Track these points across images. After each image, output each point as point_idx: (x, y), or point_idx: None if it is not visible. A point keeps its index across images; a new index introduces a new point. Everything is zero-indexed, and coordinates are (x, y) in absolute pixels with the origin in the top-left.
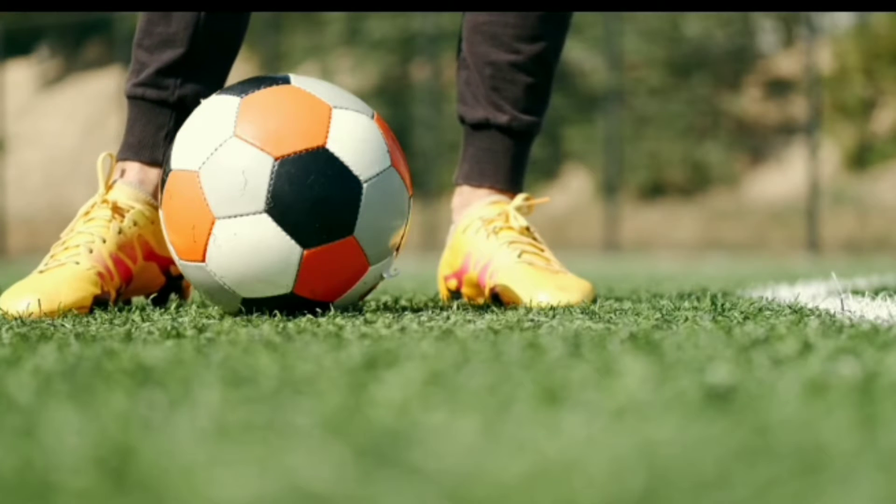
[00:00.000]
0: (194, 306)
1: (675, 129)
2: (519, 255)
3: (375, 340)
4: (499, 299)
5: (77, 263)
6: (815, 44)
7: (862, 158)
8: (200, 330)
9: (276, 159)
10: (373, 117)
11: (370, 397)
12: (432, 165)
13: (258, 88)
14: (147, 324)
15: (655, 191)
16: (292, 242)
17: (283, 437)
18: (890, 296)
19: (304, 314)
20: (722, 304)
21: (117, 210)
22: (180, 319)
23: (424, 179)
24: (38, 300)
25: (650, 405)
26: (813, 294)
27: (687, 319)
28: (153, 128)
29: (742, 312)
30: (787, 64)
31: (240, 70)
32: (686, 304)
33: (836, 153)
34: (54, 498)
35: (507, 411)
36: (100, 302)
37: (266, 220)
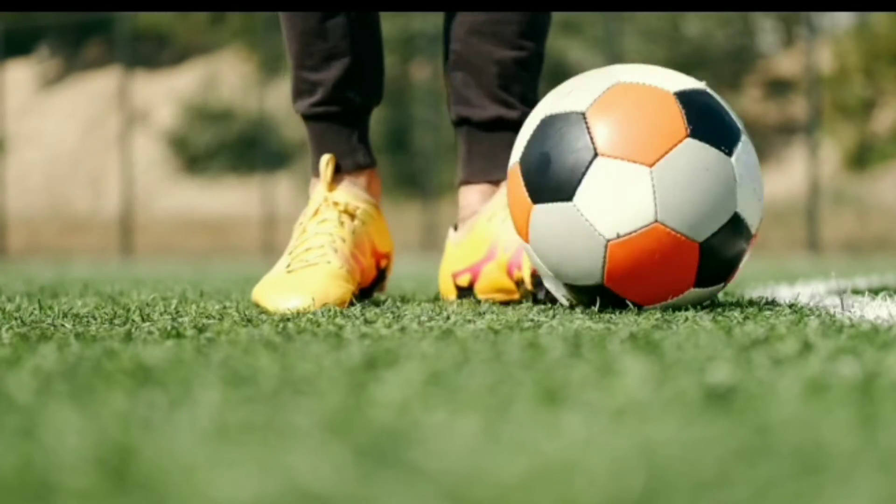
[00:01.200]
0: (194, 306)
1: None
2: None
3: (375, 340)
4: (540, 282)
5: (329, 262)
6: (815, 44)
7: (862, 158)
8: (200, 330)
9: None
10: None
11: (370, 397)
12: (432, 165)
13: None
14: (147, 324)
15: None
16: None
17: (283, 437)
18: (890, 296)
19: (303, 314)
20: (722, 304)
21: (346, 211)
22: (180, 319)
23: (424, 179)
24: (312, 298)
25: (650, 405)
26: (813, 294)
27: (687, 319)
28: (345, 137)
29: (742, 312)
30: (787, 64)
31: (238, 70)
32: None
33: (835, 153)
34: (54, 498)
35: (507, 411)
36: (353, 297)
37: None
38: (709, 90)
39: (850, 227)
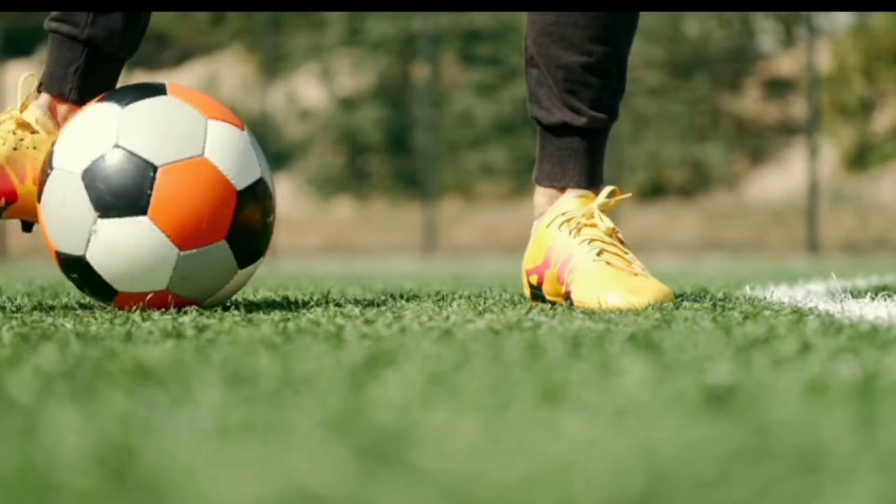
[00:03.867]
0: (194, 307)
1: (674, 129)
2: (598, 254)
3: (375, 340)
4: (569, 297)
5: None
6: (814, 44)
7: (861, 159)
8: (200, 330)
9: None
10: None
11: (370, 397)
12: (432, 165)
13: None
14: (147, 324)
15: (655, 191)
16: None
17: (283, 437)
18: (890, 296)
19: (304, 314)
20: (722, 304)
21: (24, 126)
22: (180, 319)
23: (424, 179)
24: None
25: (650, 405)
26: (813, 294)
27: (687, 319)
28: (64, 62)
29: (742, 312)
30: (786, 64)
31: (238, 70)
32: (686, 304)
33: (835, 153)
34: (54, 498)
35: (507, 411)
36: None
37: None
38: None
39: (849, 227)
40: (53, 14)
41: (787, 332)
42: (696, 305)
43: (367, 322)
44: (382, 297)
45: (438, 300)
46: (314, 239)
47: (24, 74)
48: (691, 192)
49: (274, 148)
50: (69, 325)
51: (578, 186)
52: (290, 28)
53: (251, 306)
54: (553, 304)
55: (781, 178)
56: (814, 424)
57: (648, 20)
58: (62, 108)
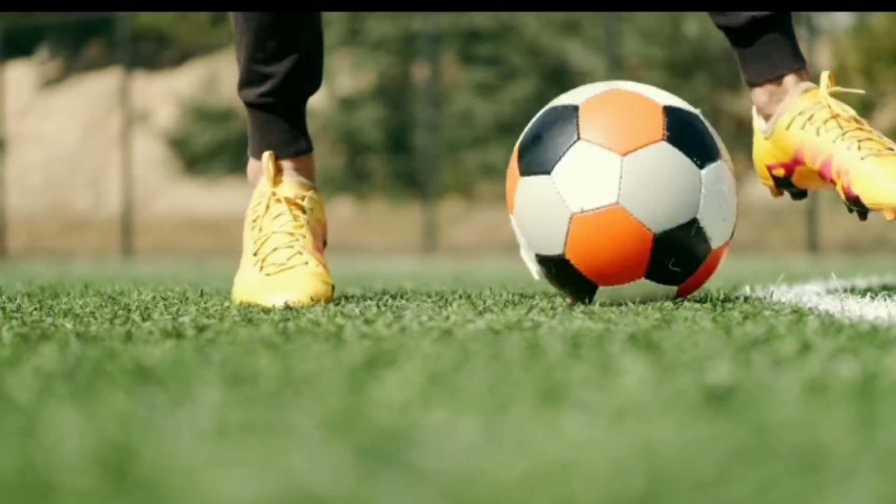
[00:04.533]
0: (194, 306)
1: None
2: (859, 149)
3: (375, 340)
4: (859, 203)
5: (306, 264)
6: (814, 44)
7: None
8: (200, 330)
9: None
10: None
11: (370, 397)
12: (432, 165)
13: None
14: (147, 324)
15: None
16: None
17: (283, 437)
18: (889, 296)
19: (304, 314)
20: (722, 304)
21: (295, 205)
22: (180, 319)
23: (424, 179)
24: (309, 295)
25: (650, 405)
26: (813, 294)
27: (687, 319)
28: (289, 126)
29: (742, 312)
30: None
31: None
32: (686, 304)
33: None
34: (54, 498)
35: (507, 411)
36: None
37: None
38: (701, 116)
39: (849, 227)
40: (263, 90)
41: (787, 332)
42: (696, 305)
43: (367, 322)
44: (382, 297)
45: (438, 300)
46: None
47: (266, 153)
48: None
49: None
50: (69, 325)
51: (791, 69)
52: None
53: (251, 306)
54: (802, 192)
55: None
56: (814, 424)
57: (648, 20)
58: (303, 164)
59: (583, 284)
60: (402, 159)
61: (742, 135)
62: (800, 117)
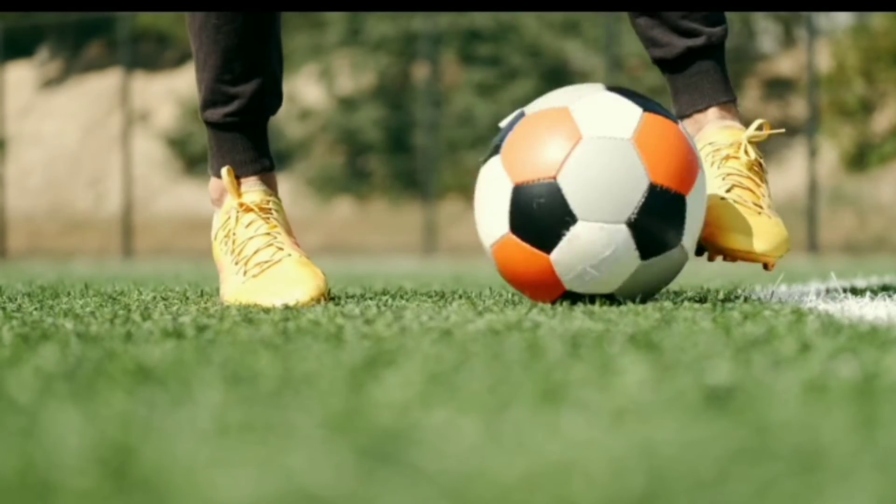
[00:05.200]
0: (194, 306)
1: None
2: (728, 190)
3: (375, 340)
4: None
5: (290, 255)
6: (814, 44)
7: (861, 159)
8: (200, 330)
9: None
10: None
11: (370, 397)
12: (432, 165)
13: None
14: (147, 324)
15: None
16: None
17: (283, 437)
18: (889, 296)
19: (304, 314)
20: (722, 304)
21: (261, 209)
22: (180, 319)
23: (424, 179)
24: (316, 286)
25: (650, 405)
26: (813, 294)
27: (687, 319)
28: (252, 144)
29: (742, 312)
30: (786, 64)
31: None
32: (686, 304)
33: (835, 153)
34: (54, 498)
35: (507, 411)
36: None
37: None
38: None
39: (849, 227)
40: (228, 110)
41: (787, 332)
42: (696, 305)
43: (367, 322)
44: (382, 297)
45: (438, 300)
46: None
47: (225, 168)
48: None
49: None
50: (69, 325)
51: (718, 102)
52: (290, 28)
53: (251, 306)
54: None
55: (781, 178)
56: (814, 424)
57: None
58: (269, 179)
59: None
60: (402, 159)
61: None
62: (708, 147)
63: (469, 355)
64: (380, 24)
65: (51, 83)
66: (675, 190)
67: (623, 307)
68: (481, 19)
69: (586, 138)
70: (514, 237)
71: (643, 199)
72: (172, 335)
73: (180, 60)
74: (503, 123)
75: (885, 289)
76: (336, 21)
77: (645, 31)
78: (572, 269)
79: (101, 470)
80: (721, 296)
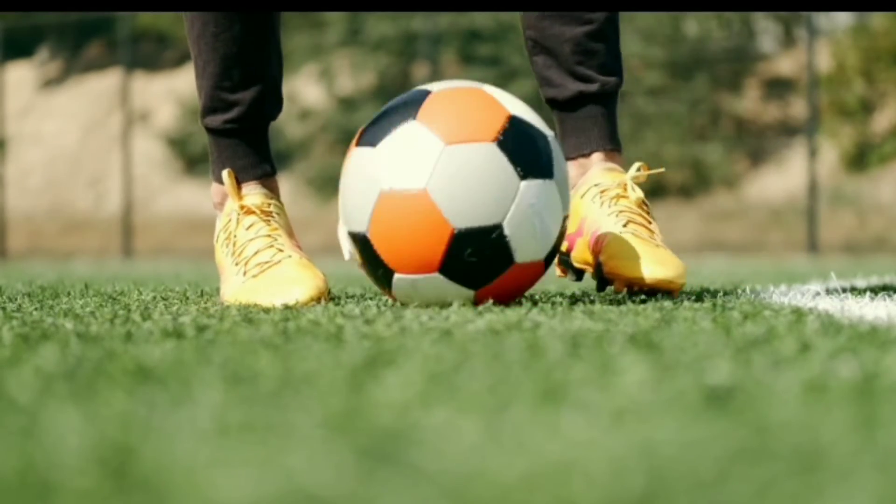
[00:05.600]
0: (194, 306)
1: (674, 129)
2: (624, 225)
3: (375, 340)
4: (601, 271)
5: (290, 256)
6: (814, 44)
7: (861, 159)
8: (200, 330)
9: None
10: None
11: (370, 397)
12: None
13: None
14: (147, 324)
15: (655, 191)
16: None
17: (283, 437)
18: (889, 296)
19: (304, 314)
20: (722, 304)
21: (262, 211)
22: (180, 319)
23: None
24: (316, 286)
25: (650, 405)
26: (812, 294)
27: (687, 319)
28: (254, 150)
29: (742, 312)
30: (786, 64)
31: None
32: (686, 304)
33: (835, 153)
34: (54, 498)
35: (507, 411)
36: None
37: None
38: (551, 139)
39: (849, 227)
40: (229, 117)
41: (787, 332)
42: (696, 305)
43: (367, 322)
44: (382, 297)
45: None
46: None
47: (226, 170)
48: (691, 192)
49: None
50: (69, 325)
51: (604, 149)
52: (290, 28)
53: (251, 306)
54: (579, 271)
55: (781, 178)
56: (814, 424)
57: (648, 20)
58: (268, 185)
59: (381, 269)
60: None
61: (742, 135)
62: (594, 188)
63: (469, 355)
64: (380, 24)
65: (51, 83)
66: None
67: (623, 307)
68: (481, 19)
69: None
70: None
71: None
72: (172, 335)
73: (180, 60)
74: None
75: (885, 289)
76: (336, 21)
77: (541, 70)
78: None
79: (101, 470)
80: (721, 296)
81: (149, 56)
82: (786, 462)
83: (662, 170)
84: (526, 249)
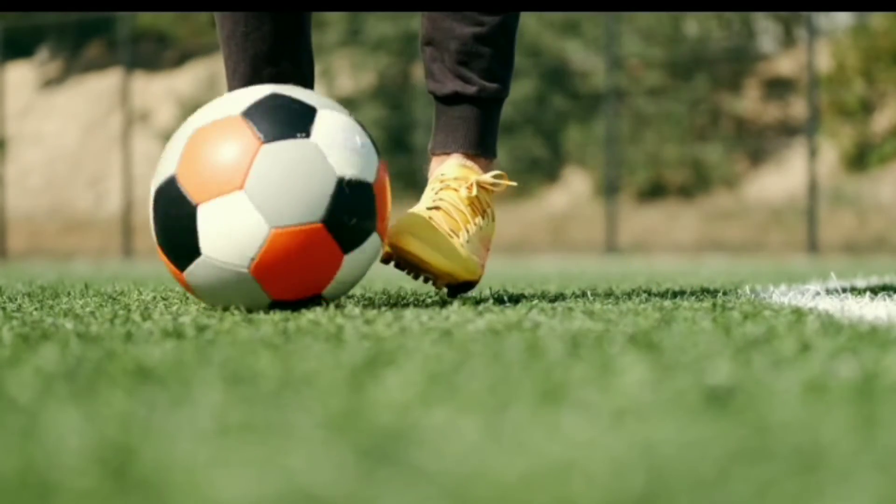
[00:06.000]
0: (194, 306)
1: (674, 129)
2: (429, 208)
3: (375, 340)
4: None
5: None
6: (814, 44)
7: (861, 159)
8: (200, 330)
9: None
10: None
11: (370, 397)
12: None
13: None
14: (147, 324)
15: (655, 191)
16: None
17: (283, 437)
18: (889, 296)
19: (304, 314)
20: (722, 304)
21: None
22: (180, 319)
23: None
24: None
25: (650, 405)
26: (813, 294)
27: (687, 319)
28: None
29: (742, 312)
30: (786, 64)
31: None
32: (686, 304)
33: (835, 153)
34: (54, 498)
35: (507, 411)
36: None
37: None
38: (277, 91)
39: (849, 227)
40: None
41: (787, 332)
42: (696, 305)
43: (367, 322)
44: (382, 297)
45: (438, 300)
46: None
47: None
48: (691, 192)
49: None
50: (69, 325)
51: (465, 153)
52: None
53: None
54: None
55: (781, 178)
56: (814, 424)
57: (648, 20)
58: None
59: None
60: (402, 159)
61: (742, 135)
62: (438, 180)
63: (469, 355)
64: (380, 24)
65: (51, 83)
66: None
67: (623, 307)
68: None
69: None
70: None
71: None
72: (172, 335)
73: (180, 60)
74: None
75: (885, 289)
76: (336, 21)
77: (427, 62)
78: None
79: (101, 470)
80: (721, 296)
81: (149, 56)
82: (786, 462)
83: (515, 184)
84: (281, 213)
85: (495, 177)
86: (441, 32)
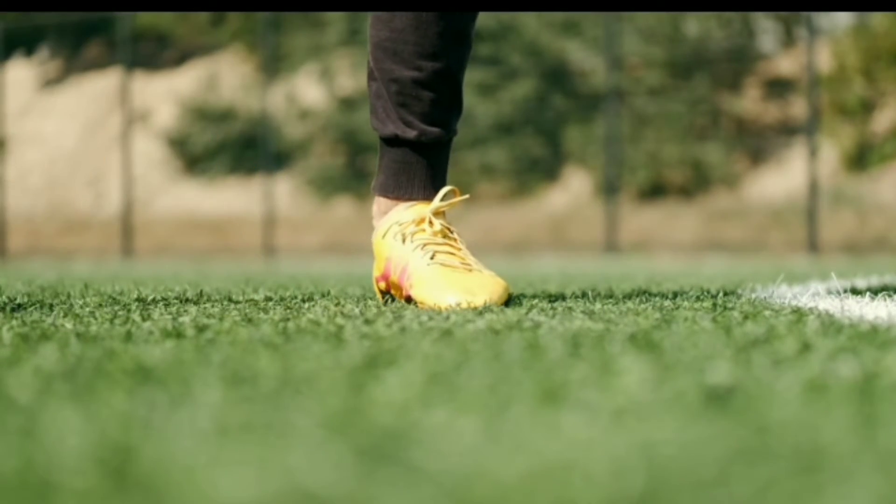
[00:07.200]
0: (194, 306)
1: (674, 129)
2: (431, 257)
3: (375, 340)
4: (412, 303)
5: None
6: (814, 44)
7: (861, 159)
8: (200, 330)
9: None
10: None
11: (370, 397)
12: None
13: None
14: (147, 324)
15: (655, 191)
16: None
17: (283, 437)
18: (889, 296)
19: (304, 314)
20: (722, 304)
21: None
22: (180, 319)
23: None
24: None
25: (650, 405)
26: (813, 294)
27: (687, 319)
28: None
29: (742, 312)
30: (786, 64)
31: (238, 70)
32: (686, 304)
33: (835, 153)
34: (54, 498)
35: (507, 411)
36: None
37: None
38: None
39: (849, 227)
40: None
41: (787, 332)
42: (696, 305)
43: (367, 322)
44: (382, 297)
45: None
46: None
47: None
48: (691, 192)
49: (274, 148)
50: (69, 325)
51: (410, 199)
52: (290, 28)
53: (251, 306)
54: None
55: (781, 178)
56: (814, 424)
57: (648, 20)
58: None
59: None
60: None
61: (742, 135)
62: (395, 227)
63: (469, 355)
64: None
65: (51, 83)
66: None
67: (623, 307)
68: (481, 19)
69: None
70: None
71: None
72: (172, 335)
73: (180, 60)
74: None
75: (885, 289)
76: (336, 21)
77: (371, 97)
78: None
79: (101, 470)
80: (721, 296)
81: (149, 56)
82: (786, 462)
83: (467, 196)
84: None
85: (446, 195)
86: (382, 73)
